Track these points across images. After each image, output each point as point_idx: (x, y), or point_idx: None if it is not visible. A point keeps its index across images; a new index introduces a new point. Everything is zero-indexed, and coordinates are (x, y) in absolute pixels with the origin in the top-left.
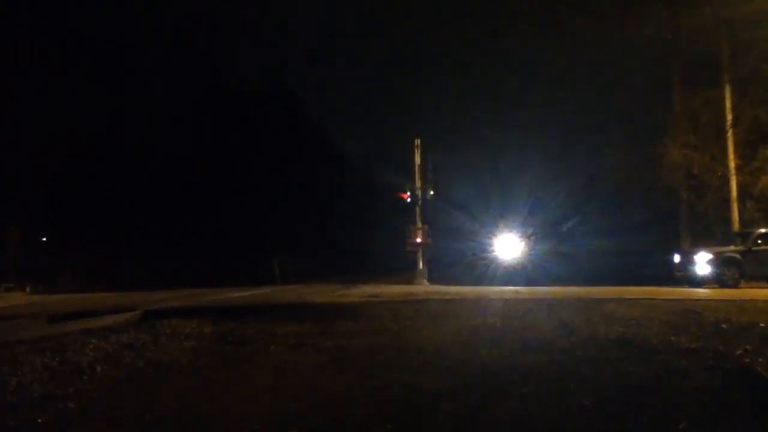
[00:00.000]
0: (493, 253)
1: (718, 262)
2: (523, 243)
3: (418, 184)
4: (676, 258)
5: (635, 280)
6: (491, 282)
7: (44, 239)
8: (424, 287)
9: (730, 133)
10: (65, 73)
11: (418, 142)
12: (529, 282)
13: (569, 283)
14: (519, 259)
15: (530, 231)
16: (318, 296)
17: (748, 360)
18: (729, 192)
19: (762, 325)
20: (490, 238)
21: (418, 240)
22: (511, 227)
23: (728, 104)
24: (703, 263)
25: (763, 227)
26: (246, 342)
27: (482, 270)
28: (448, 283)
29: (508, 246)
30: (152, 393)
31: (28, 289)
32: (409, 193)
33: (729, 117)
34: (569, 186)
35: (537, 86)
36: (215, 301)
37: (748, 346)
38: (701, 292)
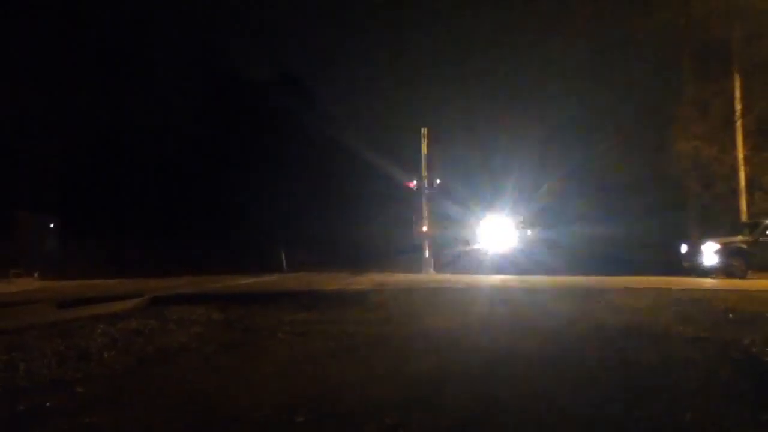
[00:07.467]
0: (485, 243)
1: (726, 252)
2: (517, 232)
3: (424, 173)
4: (683, 248)
5: (640, 270)
6: (480, 270)
7: (52, 225)
8: (430, 276)
9: (739, 124)
10: (66, 60)
11: (425, 131)
12: (524, 272)
13: (568, 273)
14: (512, 249)
15: (523, 220)
16: (325, 284)
17: (755, 350)
18: (737, 183)
19: None
20: (483, 227)
21: (425, 229)
22: (503, 216)
23: (738, 94)
24: (710, 253)
25: None
26: (254, 329)
27: (475, 259)
28: (454, 272)
29: (501, 235)
30: (160, 379)
31: (36, 275)
32: (415, 182)
33: (738, 107)
34: (566, 175)
35: (536, 72)
36: (223, 288)
37: (755, 336)
38: (708, 282)
